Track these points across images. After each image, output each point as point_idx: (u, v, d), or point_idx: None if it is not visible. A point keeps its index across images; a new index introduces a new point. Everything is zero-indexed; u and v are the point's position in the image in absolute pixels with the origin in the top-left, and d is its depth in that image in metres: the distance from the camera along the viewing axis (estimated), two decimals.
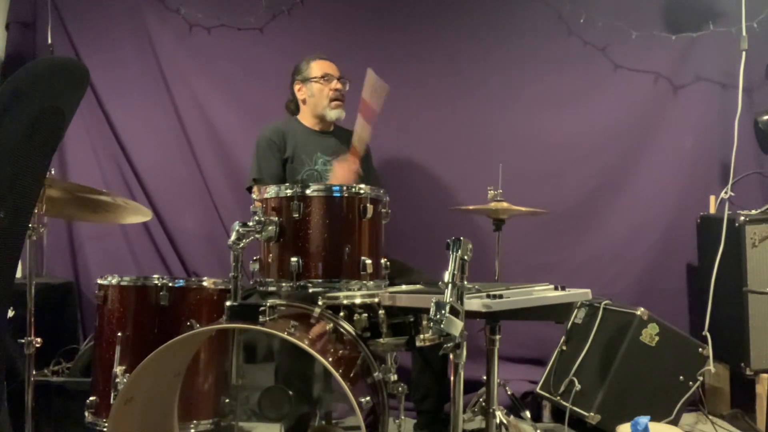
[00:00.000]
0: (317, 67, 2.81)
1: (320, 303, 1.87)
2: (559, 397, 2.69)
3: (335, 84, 2.78)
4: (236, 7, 3.41)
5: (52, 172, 2.37)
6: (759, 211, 2.92)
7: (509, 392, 2.80)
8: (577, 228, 3.37)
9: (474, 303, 1.64)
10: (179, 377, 1.93)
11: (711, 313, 2.94)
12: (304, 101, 2.86)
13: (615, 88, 3.38)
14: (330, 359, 1.66)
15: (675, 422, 2.57)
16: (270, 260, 1.89)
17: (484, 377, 1.99)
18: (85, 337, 3.17)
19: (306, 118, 2.87)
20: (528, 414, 2.69)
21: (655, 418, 2.39)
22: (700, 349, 2.67)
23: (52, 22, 3.34)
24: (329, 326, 1.86)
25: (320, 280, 1.85)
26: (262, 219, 1.83)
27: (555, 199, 3.25)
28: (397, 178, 3.26)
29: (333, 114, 2.79)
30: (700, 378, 2.65)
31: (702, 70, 3.32)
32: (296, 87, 2.86)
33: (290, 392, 2.08)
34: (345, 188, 1.89)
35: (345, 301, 1.87)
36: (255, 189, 2.71)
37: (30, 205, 1.32)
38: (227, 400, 2.04)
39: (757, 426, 2.74)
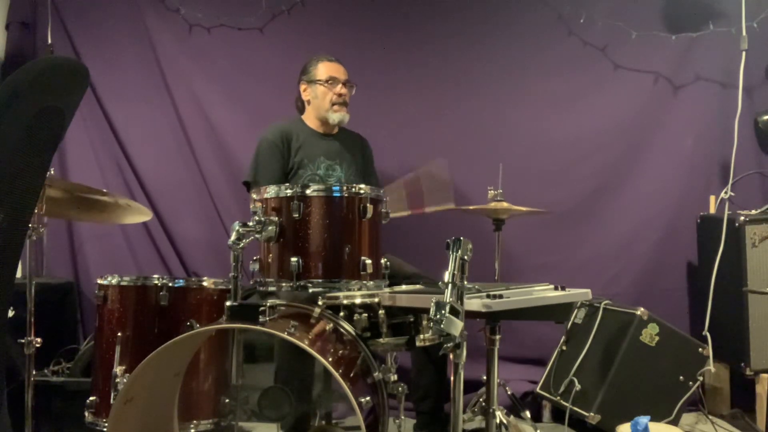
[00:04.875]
0: (323, 70, 2.80)
1: (320, 303, 1.87)
2: (559, 397, 2.69)
3: (339, 88, 2.77)
4: (236, 7, 3.41)
5: (52, 172, 2.37)
6: (759, 211, 2.92)
7: (509, 392, 2.80)
8: (577, 228, 3.37)
9: (474, 303, 1.63)
10: (179, 377, 1.93)
11: (711, 313, 2.94)
12: (308, 102, 2.86)
13: (615, 88, 3.38)
14: (330, 359, 1.66)
15: (675, 422, 2.58)
16: (270, 260, 1.88)
17: (484, 377, 1.99)
18: (85, 337, 3.18)
19: (310, 119, 2.87)
20: (528, 414, 2.69)
21: (655, 418, 2.39)
22: (700, 349, 2.67)
23: (52, 22, 3.34)
24: (329, 326, 1.86)
25: (320, 280, 1.84)
26: (262, 219, 1.83)
27: (555, 199, 3.25)
28: (397, 178, 3.25)
29: (335, 117, 2.79)
30: (700, 378, 2.65)
31: (702, 70, 3.32)
32: (302, 87, 2.86)
33: (290, 392, 2.08)
34: (345, 188, 1.89)
35: (345, 301, 1.87)
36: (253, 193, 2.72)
37: (30, 206, 1.32)
38: (227, 400, 2.04)
39: (757, 426, 2.74)
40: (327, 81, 2.78)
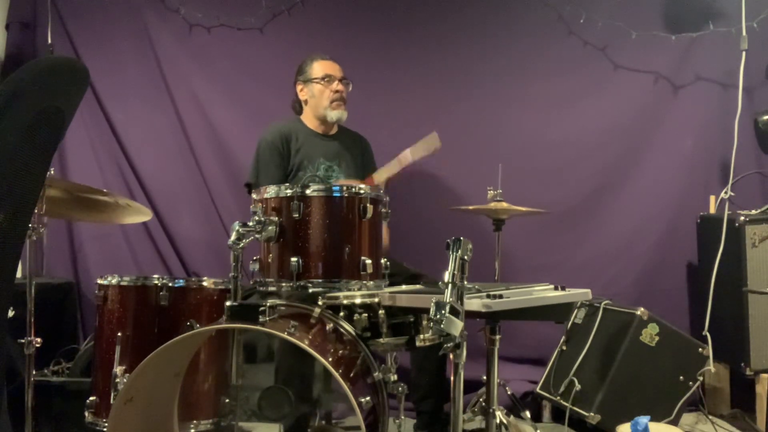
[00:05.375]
0: (319, 68, 2.80)
1: (320, 303, 1.87)
2: (559, 397, 2.69)
3: (336, 85, 2.78)
4: (236, 7, 3.41)
5: (52, 172, 2.37)
6: (759, 211, 2.92)
7: (509, 392, 2.80)
8: (577, 228, 3.37)
9: (474, 303, 1.63)
10: (179, 377, 1.93)
11: (711, 313, 2.94)
12: (306, 102, 2.86)
13: (615, 88, 3.38)
14: (330, 359, 1.66)
15: (675, 422, 2.57)
16: (270, 260, 1.89)
17: (484, 377, 1.99)
18: (85, 337, 3.17)
19: (309, 119, 2.87)
20: (528, 414, 2.69)
21: (655, 418, 2.39)
22: (700, 349, 2.67)
23: (52, 22, 3.33)
24: (329, 326, 1.86)
25: (320, 280, 1.85)
26: (262, 219, 1.83)
27: (555, 199, 3.25)
28: (397, 178, 3.25)
29: (334, 115, 2.79)
30: (700, 378, 2.65)
31: (702, 70, 3.32)
32: (298, 87, 2.86)
33: (290, 392, 2.08)
34: (345, 188, 1.89)
35: (345, 301, 1.87)
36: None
37: (30, 206, 1.32)
38: (227, 400, 2.04)
39: (757, 426, 2.74)
40: (323, 79, 2.78)
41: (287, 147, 2.76)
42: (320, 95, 2.79)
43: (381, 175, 2.63)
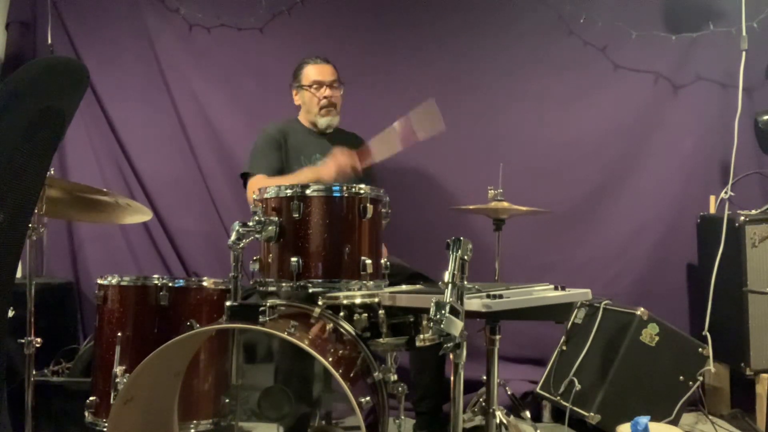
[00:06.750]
0: (308, 74, 2.81)
1: (320, 303, 1.87)
2: (559, 397, 2.69)
3: (324, 91, 2.78)
4: (236, 7, 3.41)
5: (52, 172, 2.37)
6: (759, 211, 2.92)
7: (509, 392, 2.80)
8: (578, 228, 3.37)
9: (474, 303, 1.63)
10: (179, 377, 1.93)
11: (711, 313, 2.94)
12: (299, 107, 2.89)
13: (615, 88, 3.38)
14: (330, 359, 1.66)
15: (675, 422, 2.58)
16: (270, 260, 1.89)
17: (484, 377, 1.99)
18: (85, 337, 3.17)
19: (304, 120, 2.90)
20: (528, 414, 2.69)
21: (655, 418, 2.39)
22: (700, 349, 2.67)
23: (52, 22, 3.34)
24: (329, 326, 1.86)
25: (320, 280, 1.84)
26: (262, 219, 1.83)
27: (555, 198, 3.25)
28: (397, 178, 3.26)
29: (323, 122, 2.81)
30: (700, 378, 2.65)
31: (702, 70, 3.32)
32: (293, 92, 2.89)
33: (290, 392, 2.08)
34: (345, 188, 1.89)
35: (345, 301, 1.87)
36: (249, 183, 2.72)
37: (30, 206, 1.32)
38: (227, 400, 2.04)
39: (757, 426, 2.74)
40: (311, 86, 2.78)
41: (285, 141, 2.77)
42: (310, 102, 2.80)
43: (380, 152, 2.48)
